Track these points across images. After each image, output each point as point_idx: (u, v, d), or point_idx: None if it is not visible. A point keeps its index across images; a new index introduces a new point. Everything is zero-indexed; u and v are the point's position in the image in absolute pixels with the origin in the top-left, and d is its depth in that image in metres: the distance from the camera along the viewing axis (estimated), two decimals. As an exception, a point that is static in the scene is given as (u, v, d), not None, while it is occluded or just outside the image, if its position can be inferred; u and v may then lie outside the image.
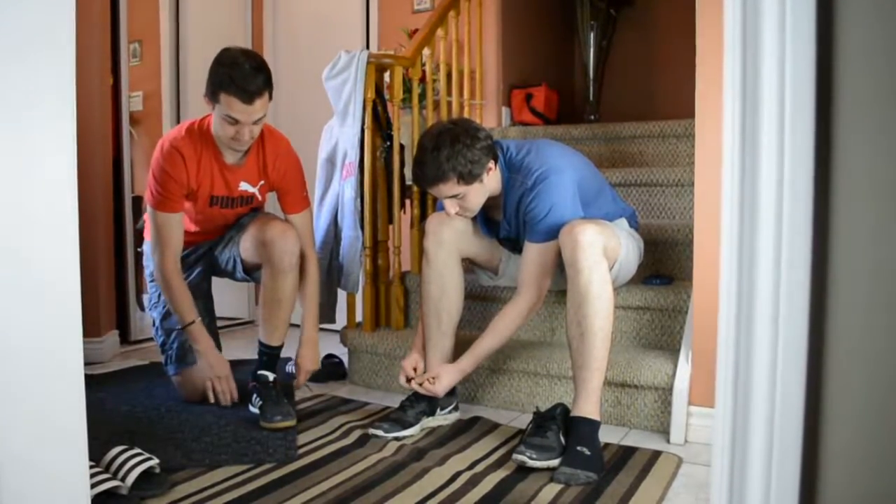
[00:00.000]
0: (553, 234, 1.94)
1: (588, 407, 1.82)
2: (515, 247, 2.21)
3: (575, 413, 1.83)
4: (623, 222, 2.17)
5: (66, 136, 0.89)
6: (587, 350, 1.83)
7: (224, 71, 1.99)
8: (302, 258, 2.24)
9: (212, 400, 2.24)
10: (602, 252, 1.85)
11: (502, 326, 2.04)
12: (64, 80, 0.88)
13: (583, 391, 1.84)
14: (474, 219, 2.19)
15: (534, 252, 2.00)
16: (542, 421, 1.84)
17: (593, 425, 1.81)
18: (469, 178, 1.95)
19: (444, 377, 2.04)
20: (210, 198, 2.22)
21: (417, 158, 1.99)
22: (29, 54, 0.84)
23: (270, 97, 2.07)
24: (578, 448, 1.74)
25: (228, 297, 3.43)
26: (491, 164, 1.99)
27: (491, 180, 2.02)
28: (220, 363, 2.27)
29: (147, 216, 2.40)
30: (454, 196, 1.99)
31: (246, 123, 2.03)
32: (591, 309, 1.82)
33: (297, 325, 2.34)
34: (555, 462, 1.74)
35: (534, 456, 1.75)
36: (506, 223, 2.12)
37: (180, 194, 2.15)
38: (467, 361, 2.06)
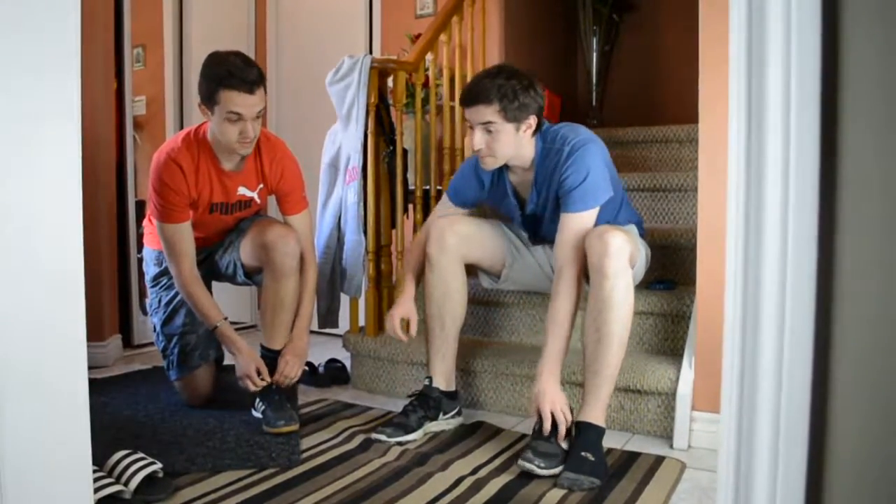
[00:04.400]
0: (590, 202, 1.90)
1: (596, 413, 1.82)
2: (538, 230, 2.17)
3: (582, 418, 1.83)
4: (633, 228, 2.16)
5: (70, 140, 0.89)
6: (602, 356, 1.82)
7: (219, 69, 1.99)
8: (301, 261, 2.23)
9: (252, 388, 2.17)
10: (628, 260, 1.84)
11: (566, 323, 1.88)
12: (69, 85, 0.88)
13: (592, 397, 1.83)
14: (483, 220, 2.18)
15: (571, 223, 1.91)
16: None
17: (599, 431, 1.81)
18: (509, 113, 1.91)
19: (555, 393, 1.87)
20: (210, 205, 2.21)
21: (472, 79, 2.02)
22: (35, 59, 0.85)
23: (265, 92, 2.07)
24: (583, 453, 1.74)
25: (231, 301, 3.42)
26: (533, 119, 1.95)
27: (525, 141, 1.97)
28: (255, 359, 2.20)
29: (146, 223, 2.40)
30: (487, 124, 1.93)
31: (249, 118, 2.01)
32: (612, 316, 1.81)
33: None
34: (559, 468, 1.74)
35: (542, 465, 1.74)
36: (534, 194, 2.06)
37: (184, 204, 2.14)
38: (555, 370, 1.89)
